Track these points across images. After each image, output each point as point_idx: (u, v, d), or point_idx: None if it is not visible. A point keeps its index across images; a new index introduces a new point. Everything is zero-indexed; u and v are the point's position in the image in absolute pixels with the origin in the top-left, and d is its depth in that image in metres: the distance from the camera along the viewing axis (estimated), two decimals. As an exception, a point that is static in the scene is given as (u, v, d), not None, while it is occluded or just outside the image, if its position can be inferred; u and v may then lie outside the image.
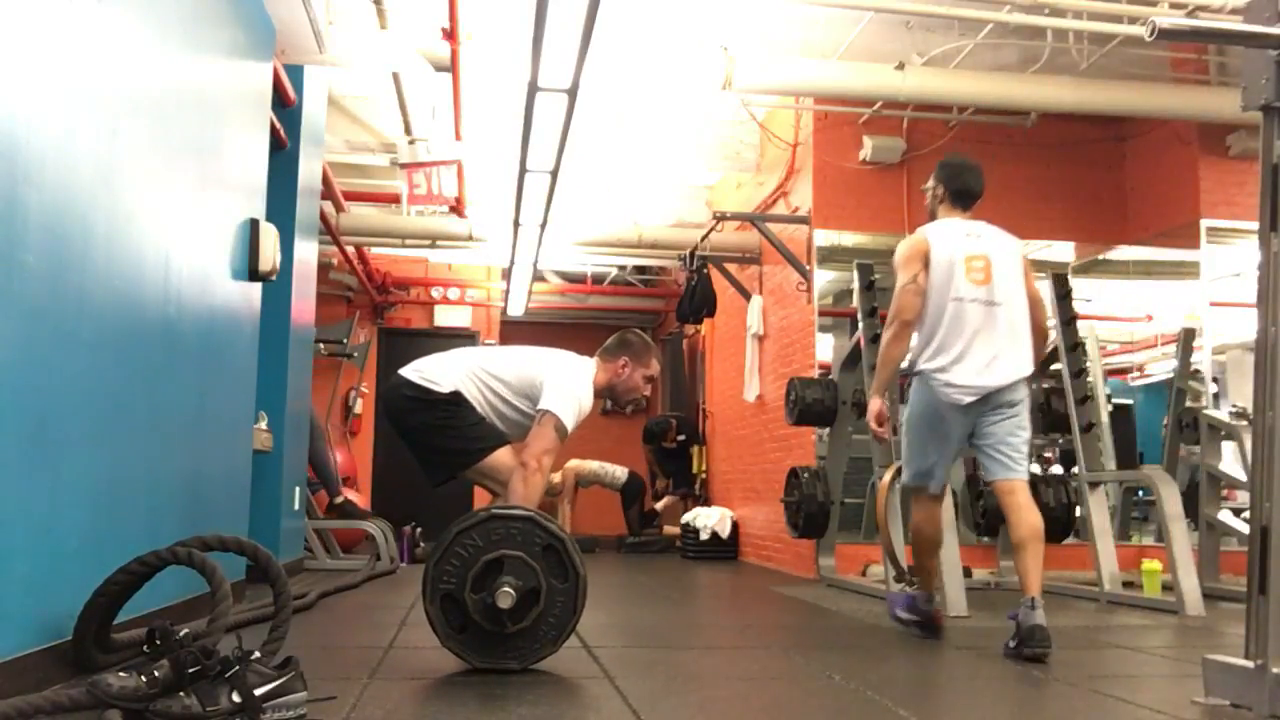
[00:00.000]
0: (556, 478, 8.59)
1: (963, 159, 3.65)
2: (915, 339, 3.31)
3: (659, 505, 8.89)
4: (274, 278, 4.13)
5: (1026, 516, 3.14)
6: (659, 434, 9.02)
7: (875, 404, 3.43)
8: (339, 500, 6.57)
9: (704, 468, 8.74)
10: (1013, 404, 3.23)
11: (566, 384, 3.14)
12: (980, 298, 3.24)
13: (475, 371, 3.18)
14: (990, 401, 3.20)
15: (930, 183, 3.61)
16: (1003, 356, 3.21)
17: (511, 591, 2.45)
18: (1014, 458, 3.21)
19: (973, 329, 3.21)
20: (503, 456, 3.13)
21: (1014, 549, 3.20)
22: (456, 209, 7.29)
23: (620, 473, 8.81)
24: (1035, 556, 3.09)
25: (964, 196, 3.51)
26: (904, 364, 3.34)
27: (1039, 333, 3.38)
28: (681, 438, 8.92)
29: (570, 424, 3.09)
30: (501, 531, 2.55)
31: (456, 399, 3.11)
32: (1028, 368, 3.25)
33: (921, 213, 6.03)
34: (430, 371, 3.17)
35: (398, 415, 3.22)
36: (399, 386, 3.18)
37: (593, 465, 8.81)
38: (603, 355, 3.40)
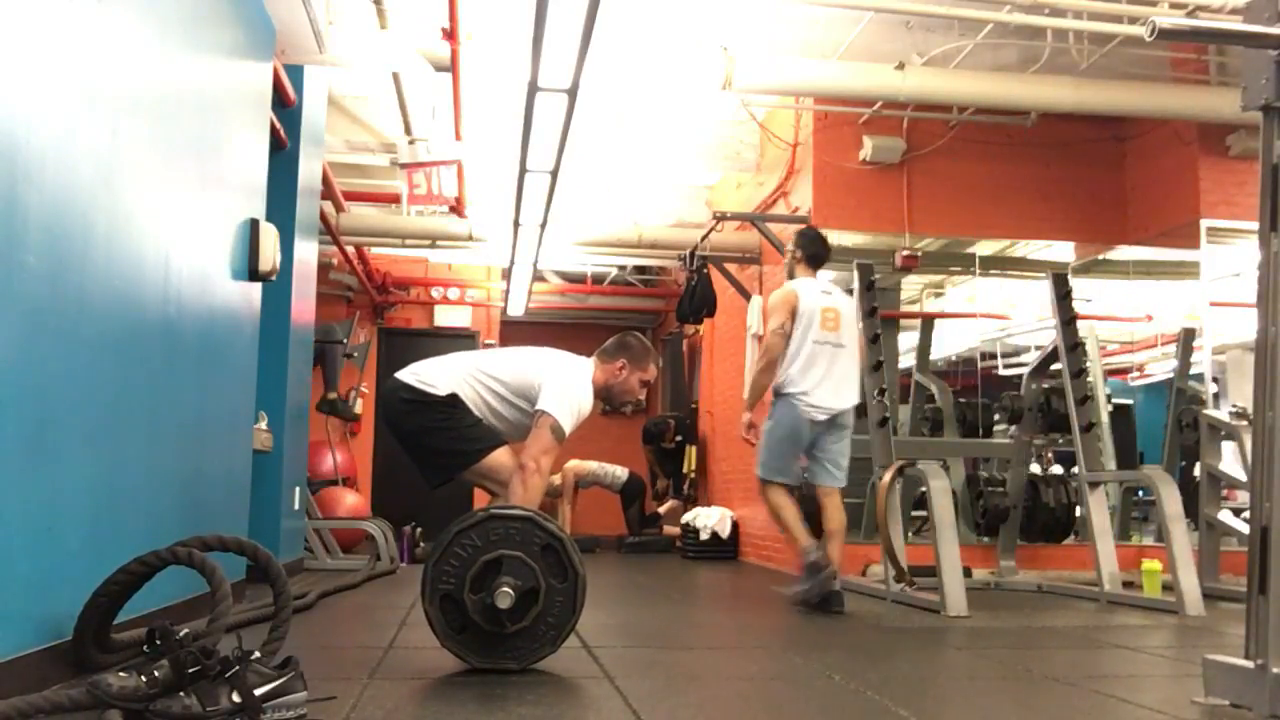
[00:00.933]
0: (556, 479, 8.59)
1: (815, 231, 4.70)
2: (782, 370, 4.28)
3: (661, 509, 8.89)
4: (274, 278, 4.13)
5: (838, 515, 4.31)
6: (658, 435, 9.02)
7: (746, 417, 4.47)
8: (331, 395, 6.46)
9: (692, 467, 8.76)
10: (847, 425, 4.34)
11: (564, 385, 3.14)
12: (831, 341, 4.28)
13: (472, 373, 3.17)
14: (835, 421, 4.29)
15: (790, 246, 4.60)
16: (845, 387, 4.31)
17: (510, 592, 2.44)
18: (839, 472, 4.34)
19: (825, 364, 4.26)
20: (501, 457, 3.13)
21: (825, 536, 4.24)
22: (456, 209, 7.29)
23: (620, 473, 8.82)
24: (840, 542, 4.26)
25: (816, 260, 4.52)
26: (784, 387, 4.27)
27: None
28: (680, 438, 8.92)
29: (568, 425, 3.08)
30: (500, 531, 2.55)
31: (453, 400, 3.11)
32: (858, 397, 4.38)
33: (922, 213, 6.11)
34: (426, 374, 3.16)
35: (395, 419, 3.21)
36: (395, 390, 3.18)
37: (592, 466, 8.82)
38: (601, 356, 3.40)
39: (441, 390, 3.11)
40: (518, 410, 3.17)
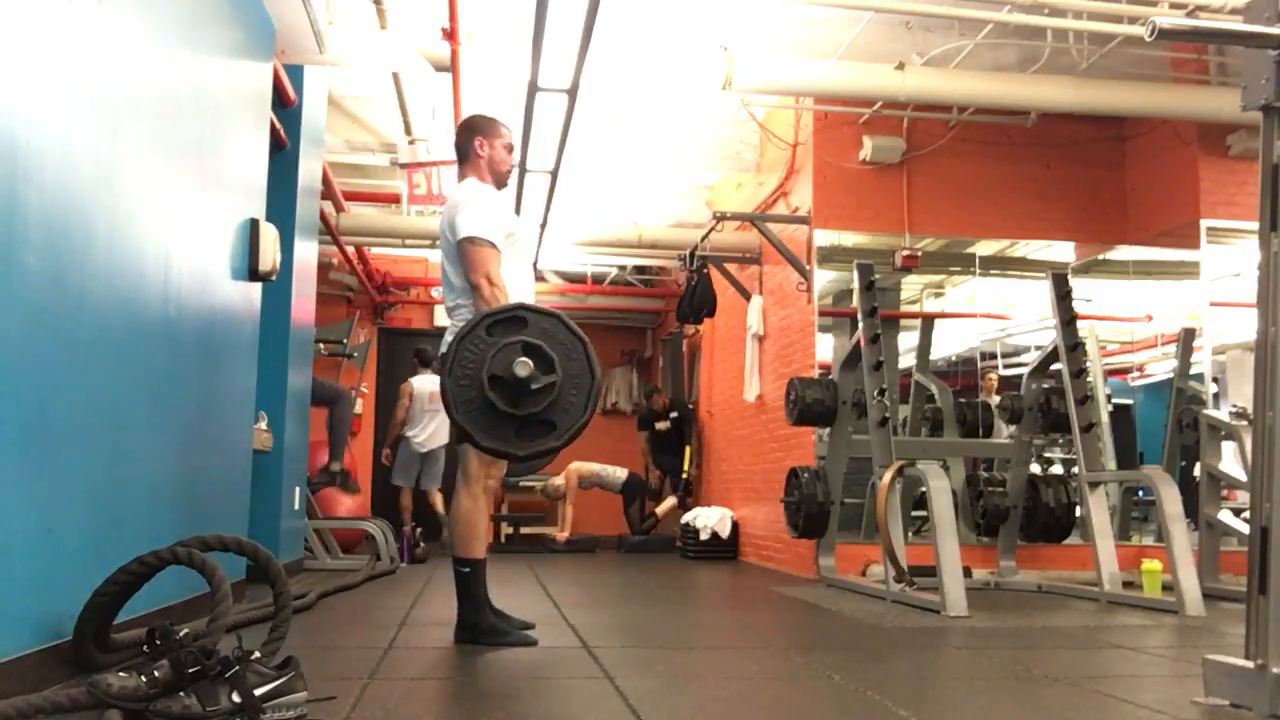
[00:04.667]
0: (559, 481, 8.61)
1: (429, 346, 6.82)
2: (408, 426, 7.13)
3: (659, 510, 8.89)
4: (274, 278, 4.13)
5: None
6: (650, 413, 9.09)
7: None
8: (335, 467, 6.48)
9: (691, 468, 8.76)
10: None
11: (459, 210, 3.11)
12: (435, 408, 6.70)
13: (445, 295, 3.21)
14: (433, 454, 7.28)
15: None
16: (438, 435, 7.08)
17: (529, 361, 2.51)
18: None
19: (433, 427, 7.16)
20: (471, 455, 3.13)
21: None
22: (456, 209, 7.28)
23: (620, 473, 8.83)
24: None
25: (428, 363, 7.19)
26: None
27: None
28: (675, 414, 8.95)
29: (485, 232, 3.05)
30: (527, 324, 2.62)
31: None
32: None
33: (922, 213, 6.12)
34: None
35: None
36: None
37: (593, 467, 8.82)
38: (461, 163, 3.34)
39: (447, 336, 3.10)
40: (460, 280, 3.15)
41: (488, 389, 2.52)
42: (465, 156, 3.32)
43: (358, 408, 9.18)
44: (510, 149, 3.39)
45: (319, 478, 6.49)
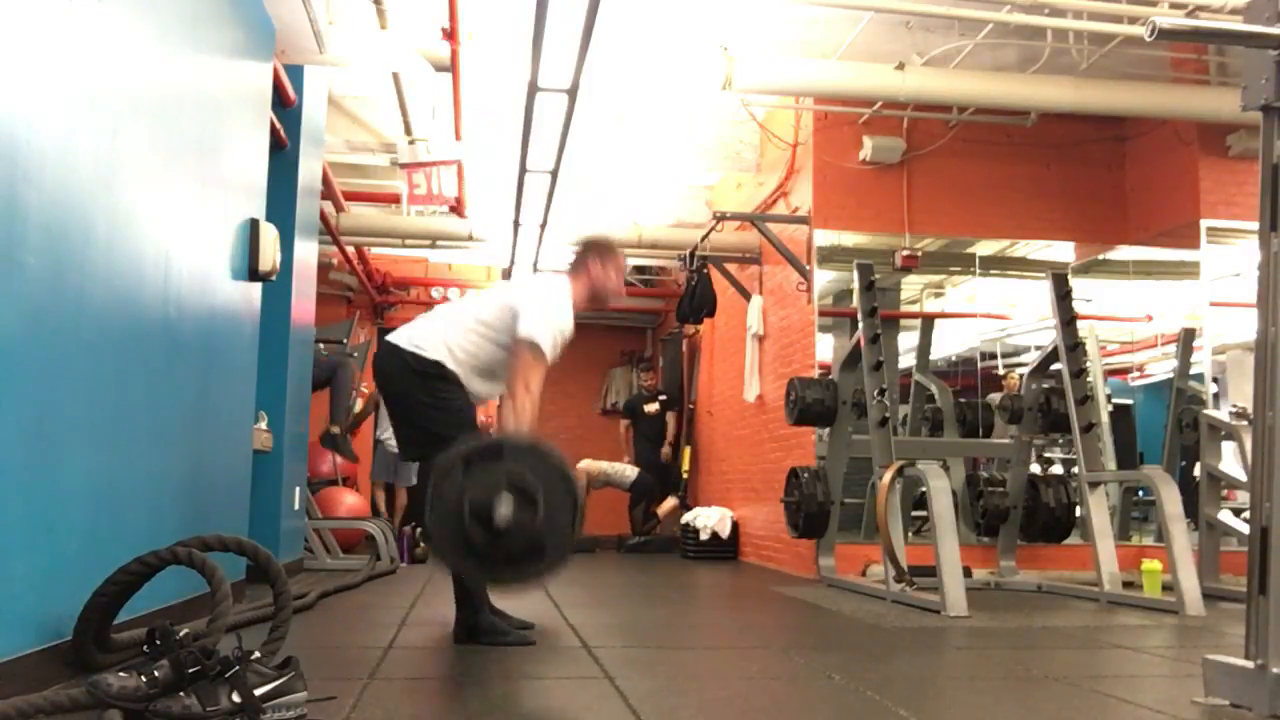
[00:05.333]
0: None
1: None
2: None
3: (660, 511, 8.89)
4: (274, 278, 4.13)
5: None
6: (638, 390, 9.12)
7: None
8: (334, 429, 6.48)
9: (686, 468, 8.78)
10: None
11: (540, 306, 3.12)
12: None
13: (456, 327, 3.19)
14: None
15: None
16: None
17: (509, 507, 2.44)
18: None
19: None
20: None
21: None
22: (456, 209, 7.28)
23: (631, 472, 8.79)
24: None
25: None
26: None
27: None
28: (664, 397, 8.96)
29: (548, 345, 3.06)
30: (505, 455, 2.56)
31: (440, 372, 3.11)
32: None
33: (922, 213, 6.11)
34: (418, 337, 3.18)
35: (385, 379, 3.25)
36: (389, 355, 3.20)
37: (602, 465, 8.82)
38: (572, 269, 3.37)
39: (430, 353, 3.12)
40: (499, 352, 3.16)
41: (469, 525, 2.46)
42: (575, 267, 3.36)
43: (357, 408, 9.17)
44: (622, 274, 3.41)
45: (321, 439, 6.45)
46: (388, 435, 7.83)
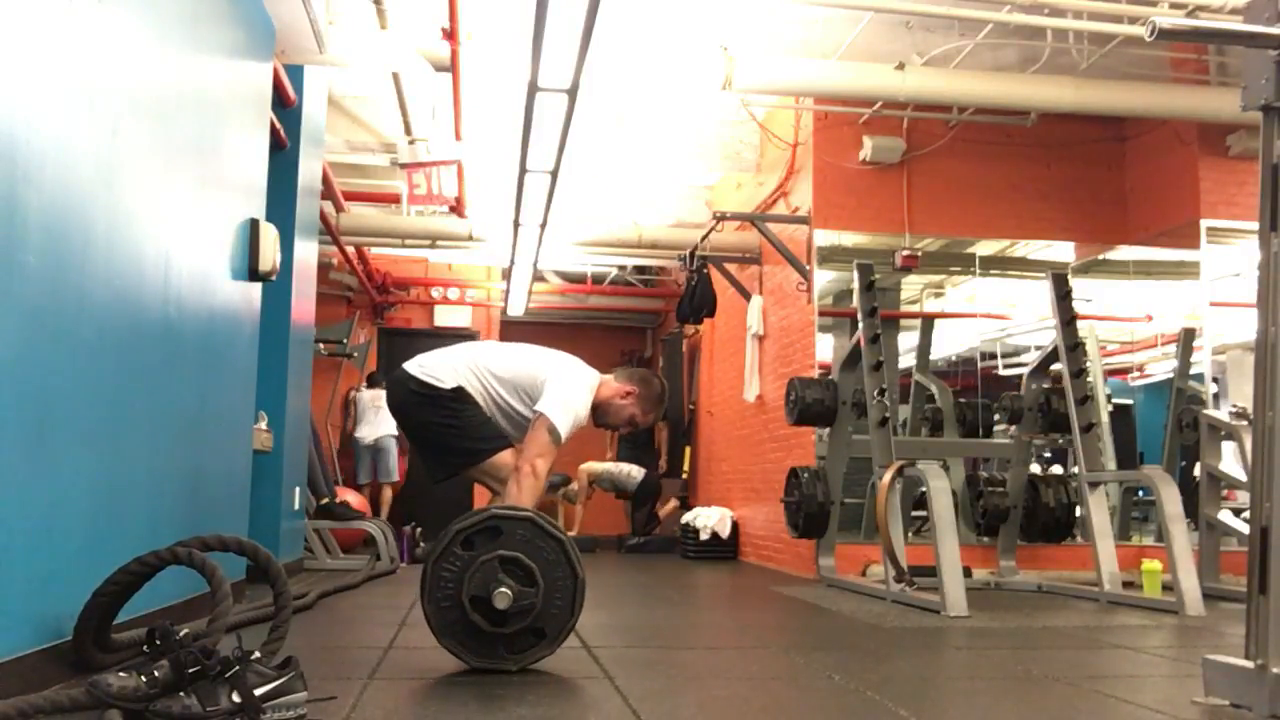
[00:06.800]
0: (576, 486, 8.66)
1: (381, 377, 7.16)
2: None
3: (661, 511, 8.89)
4: (274, 278, 4.13)
5: None
6: None
7: None
8: (324, 501, 6.50)
9: (688, 467, 8.77)
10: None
11: (567, 389, 3.13)
12: (377, 407, 7.90)
13: (475, 368, 3.18)
14: (380, 447, 8.29)
15: None
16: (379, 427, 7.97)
17: (508, 592, 2.44)
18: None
19: (375, 421, 8.20)
20: (505, 456, 3.13)
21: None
22: (456, 209, 7.29)
23: (637, 473, 8.76)
24: None
25: (374, 385, 7.90)
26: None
27: None
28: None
29: (565, 431, 3.07)
30: (501, 532, 2.55)
31: (459, 395, 3.11)
32: None
33: (922, 213, 6.12)
34: (432, 367, 3.17)
35: (403, 409, 3.24)
36: (403, 382, 3.19)
37: (605, 466, 8.81)
38: (619, 374, 3.38)
39: (448, 384, 3.11)
40: (519, 407, 3.17)
41: (470, 611, 2.46)
42: (619, 378, 3.36)
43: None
44: (632, 424, 3.41)
45: (316, 515, 6.45)
46: (361, 432, 8.34)
